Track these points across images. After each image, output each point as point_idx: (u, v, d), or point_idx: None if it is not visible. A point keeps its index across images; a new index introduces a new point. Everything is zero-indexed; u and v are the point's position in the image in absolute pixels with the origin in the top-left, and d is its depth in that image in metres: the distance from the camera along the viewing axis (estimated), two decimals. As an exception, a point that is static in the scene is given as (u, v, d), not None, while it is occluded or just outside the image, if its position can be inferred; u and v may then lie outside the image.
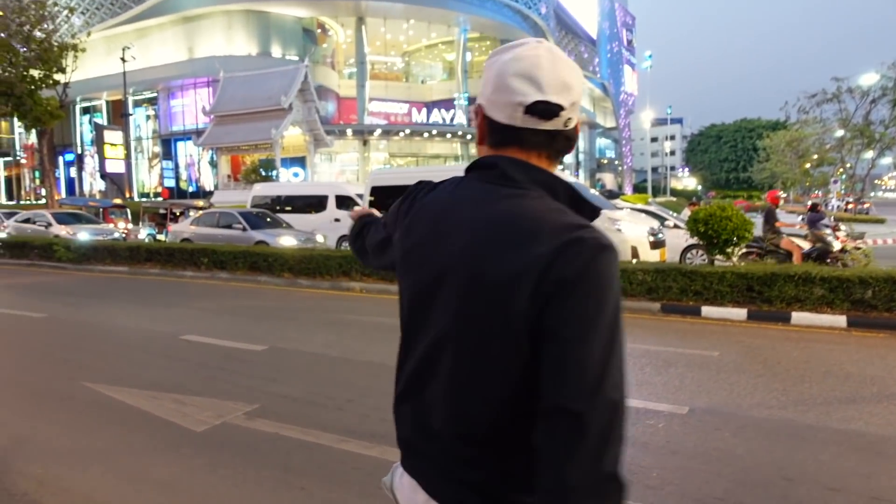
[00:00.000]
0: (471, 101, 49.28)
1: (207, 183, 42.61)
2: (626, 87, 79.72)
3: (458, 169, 17.39)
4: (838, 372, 5.39)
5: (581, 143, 68.49)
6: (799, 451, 3.80)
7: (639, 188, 70.65)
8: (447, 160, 48.33)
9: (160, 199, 38.73)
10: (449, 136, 47.80)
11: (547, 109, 0.99)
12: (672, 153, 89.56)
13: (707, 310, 7.72)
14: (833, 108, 38.12)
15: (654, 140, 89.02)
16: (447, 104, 48.32)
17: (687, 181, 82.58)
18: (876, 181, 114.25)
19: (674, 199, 50.01)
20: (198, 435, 4.12)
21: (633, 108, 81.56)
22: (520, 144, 1.05)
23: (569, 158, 65.04)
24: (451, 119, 47.37)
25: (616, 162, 77.79)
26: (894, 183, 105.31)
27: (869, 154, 39.44)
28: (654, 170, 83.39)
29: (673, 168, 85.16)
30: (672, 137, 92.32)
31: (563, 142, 1.06)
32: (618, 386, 0.89)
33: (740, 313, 7.54)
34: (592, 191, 15.82)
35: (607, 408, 0.87)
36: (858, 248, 12.14)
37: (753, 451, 3.79)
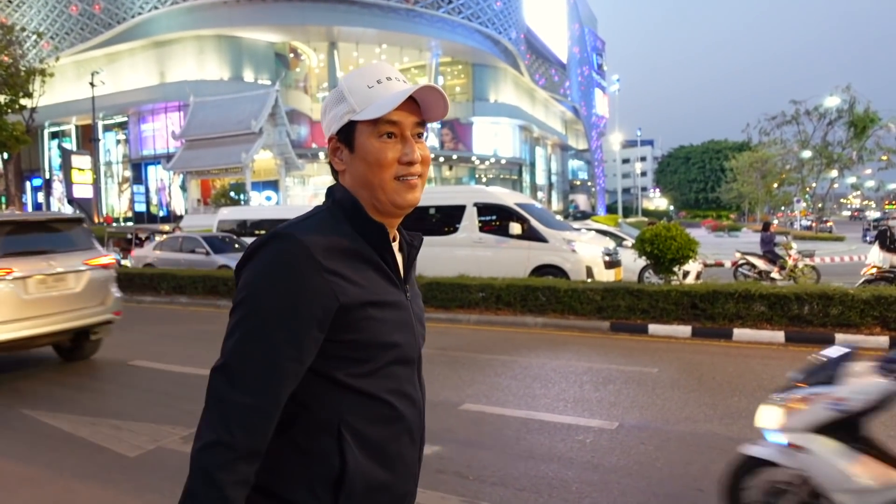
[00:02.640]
0: (443, 124, 49.84)
1: (178, 207, 42.28)
2: (598, 109, 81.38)
3: (428, 191, 17.52)
4: (769, 385, 5.56)
5: (554, 165, 69.53)
6: (717, 462, 3.93)
7: (611, 209, 71.70)
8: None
9: (104, 224, 38.04)
10: (422, 158, 48.18)
11: None
12: (643, 174, 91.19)
13: (654, 327, 7.91)
14: (792, 130, 39.38)
15: (626, 161, 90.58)
16: (420, 127, 48.79)
17: (658, 201, 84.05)
18: (841, 200, 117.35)
19: (645, 219, 50.82)
20: (130, 460, 4.14)
21: (605, 130, 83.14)
22: None
23: (542, 180, 66.02)
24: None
25: (589, 183, 79.02)
26: (859, 202, 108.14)
27: (832, 174, 40.65)
28: (627, 191, 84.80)
29: (644, 189, 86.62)
30: (643, 159, 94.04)
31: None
32: (238, 358, 1.03)
33: (685, 330, 7.74)
34: (558, 215, 16.05)
35: (216, 368, 1.04)
36: (808, 266, 12.55)
37: (672, 464, 3.92)
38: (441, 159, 49.27)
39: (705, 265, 14.23)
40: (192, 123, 34.58)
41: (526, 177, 59.26)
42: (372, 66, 1.13)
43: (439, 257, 11.00)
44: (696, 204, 79.05)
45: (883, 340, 6.86)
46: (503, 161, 53.78)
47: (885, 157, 36.88)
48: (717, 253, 20.72)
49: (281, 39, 46.28)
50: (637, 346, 7.40)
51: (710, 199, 75.83)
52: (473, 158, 51.70)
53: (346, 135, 1.12)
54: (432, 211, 11.81)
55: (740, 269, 13.31)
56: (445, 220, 11.52)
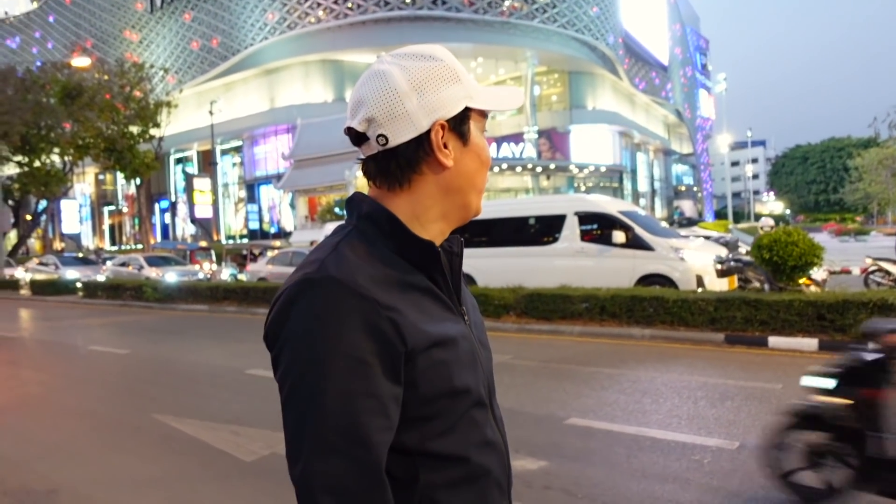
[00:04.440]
0: (540, 134, 49.48)
1: (288, 224, 44.58)
2: (703, 111, 77.64)
3: (527, 202, 17.51)
4: (914, 405, 5.00)
5: (656, 171, 66.96)
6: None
7: (721, 214, 67.96)
8: (517, 193, 48.44)
9: (198, 243, 40.56)
10: (519, 169, 47.99)
11: (352, 136, 0.92)
12: (755, 177, 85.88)
13: (774, 340, 7.35)
14: (930, 122, 35.60)
15: (735, 164, 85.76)
16: (516, 138, 48.63)
17: (773, 205, 78.79)
18: None
19: (758, 224, 47.73)
20: (247, 464, 4.33)
21: (711, 132, 79.16)
22: (367, 177, 0.97)
23: (644, 186, 63.72)
24: (521, 153, 47.57)
25: (695, 188, 75.41)
26: None
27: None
28: (737, 195, 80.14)
29: (757, 192, 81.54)
30: (755, 160, 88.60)
31: (395, 163, 0.91)
32: (320, 452, 0.81)
33: (811, 343, 7.13)
34: (663, 222, 15.39)
35: (302, 477, 0.81)
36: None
37: (803, 489, 3.59)
38: (538, 169, 48.79)
39: (830, 273, 13.12)
40: (300, 144, 36.46)
41: (627, 184, 57.43)
42: (441, 49, 0.94)
43: (539, 268, 10.85)
44: (816, 207, 73.40)
45: None
46: (603, 168, 52.44)
47: None
48: (843, 259, 19.06)
49: (380, 59, 47.82)
50: (756, 360, 6.89)
51: (831, 202, 70.19)
52: (571, 167, 50.78)
53: (461, 124, 0.92)
54: (531, 221, 11.68)
55: (872, 277, 12.15)
56: (545, 230, 11.35)
